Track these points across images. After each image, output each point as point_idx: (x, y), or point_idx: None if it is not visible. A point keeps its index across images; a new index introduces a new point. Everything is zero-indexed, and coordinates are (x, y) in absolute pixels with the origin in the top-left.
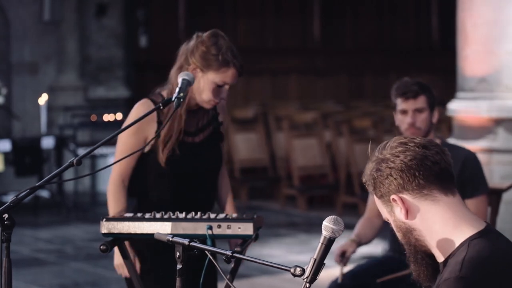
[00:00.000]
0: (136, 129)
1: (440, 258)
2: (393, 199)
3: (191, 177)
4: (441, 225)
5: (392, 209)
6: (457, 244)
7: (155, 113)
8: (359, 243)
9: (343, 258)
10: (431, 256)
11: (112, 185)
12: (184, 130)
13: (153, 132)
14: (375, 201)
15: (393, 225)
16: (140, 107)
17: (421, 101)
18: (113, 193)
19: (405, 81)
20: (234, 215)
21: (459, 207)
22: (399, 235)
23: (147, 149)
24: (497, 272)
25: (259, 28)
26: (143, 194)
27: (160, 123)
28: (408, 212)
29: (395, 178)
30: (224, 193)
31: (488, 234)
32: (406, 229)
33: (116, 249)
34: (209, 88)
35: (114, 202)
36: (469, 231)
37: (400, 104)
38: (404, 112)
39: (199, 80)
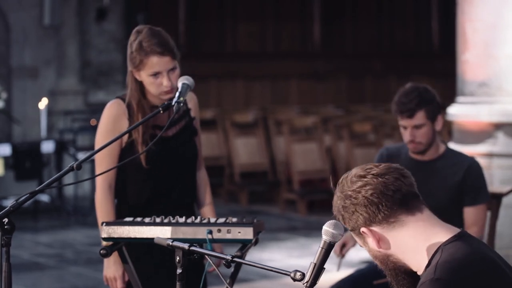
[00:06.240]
0: (111, 128)
1: (420, 271)
2: (363, 231)
3: (167, 172)
4: (413, 244)
5: (365, 240)
6: (432, 253)
7: (125, 110)
8: None
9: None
10: (412, 274)
11: (100, 193)
12: (156, 125)
13: (125, 128)
14: None
15: (369, 254)
16: (111, 108)
17: (418, 118)
18: (101, 202)
19: (404, 95)
20: (234, 219)
21: (428, 220)
22: (377, 262)
23: (124, 145)
24: (472, 272)
25: (259, 32)
26: (122, 192)
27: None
28: (379, 241)
29: (360, 214)
30: (202, 192)
31: (460, 238)
32: (382, 256)
33: (106, 261)
34: (149, 83)
35: (102, 212)
36: (441, 239)
37: (399, 120)
38: (404, 127)
39: (140, 79)
